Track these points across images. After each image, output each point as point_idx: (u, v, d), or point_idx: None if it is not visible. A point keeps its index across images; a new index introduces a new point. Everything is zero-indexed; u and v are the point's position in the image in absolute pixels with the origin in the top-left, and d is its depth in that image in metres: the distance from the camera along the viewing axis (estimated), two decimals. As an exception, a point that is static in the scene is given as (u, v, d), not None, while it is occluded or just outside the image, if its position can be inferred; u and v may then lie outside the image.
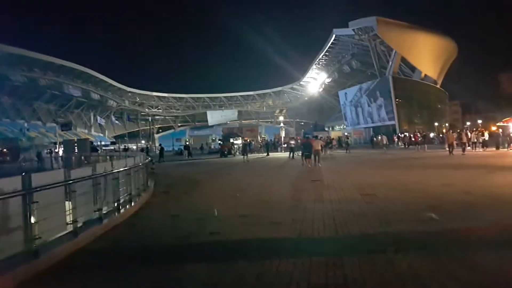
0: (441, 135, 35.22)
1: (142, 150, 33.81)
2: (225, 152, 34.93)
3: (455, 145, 23.37)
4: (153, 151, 67.01)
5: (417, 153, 27.16)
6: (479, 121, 75.03)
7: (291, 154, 26.88)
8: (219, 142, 43.50)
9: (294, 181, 13.11)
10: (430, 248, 4.84)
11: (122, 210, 7.80)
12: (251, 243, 5.51)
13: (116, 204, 7.67)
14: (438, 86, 63.20)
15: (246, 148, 28.83)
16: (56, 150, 41.20)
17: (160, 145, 35.92)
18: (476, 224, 5.97)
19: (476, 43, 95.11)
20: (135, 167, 9.74)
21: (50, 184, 4.86)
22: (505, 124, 26.41)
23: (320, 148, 19.83)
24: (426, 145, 30.18)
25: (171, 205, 9.36)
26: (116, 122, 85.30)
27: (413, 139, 33.71)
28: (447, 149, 23.09)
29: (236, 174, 17.79)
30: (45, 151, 41.53)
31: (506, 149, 24.42)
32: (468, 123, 77.85)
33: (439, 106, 66.01)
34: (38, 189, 4.53)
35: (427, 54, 56.30)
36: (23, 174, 4.50)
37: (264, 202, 8.97)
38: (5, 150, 41.81)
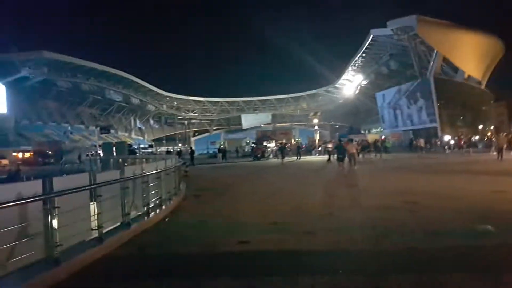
0: (487, 139, 33.03)
1: (177, 153, 34.14)
2: (258, 155, 34.67)
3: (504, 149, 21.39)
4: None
5: (461, 157, 25.61)
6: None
7: (329, 158, 26.09)
8: (253, 145, 43.33)
9: (329, 186, 12.62)
10: (491, 267, 4.22)
11: (152, 214, 7.63)
12: (283, 255, 5.08)
13: (145, 208, 7.50)
14: (482, 87, 60.00)
15: (283, 151, 28.57)
16: (98, 152, 42.61)
17: (190, 148, 36.10)
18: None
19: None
20: (166, 170, 9.57)
21: (72, 189, 4.67)
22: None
23: (354, 151, 19.32)
24: (471, 149, 28.51)
25: (201, 209, 9.11)
26: (155, 125, 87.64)
27: (456, 142, 31.80)
28: (494, 153, 21.57)
29: (269, 177, 17.47)
30: (86, 153, 43.07)
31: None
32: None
33: (483, 108, 62.61)
34: (58, 193, 4.34)
35: (470, 53, 53.52)
36: (44, 177, 4.32)
37: (296, 208, 8.51)
38: (49, 152, 43.88)
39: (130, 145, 44.91)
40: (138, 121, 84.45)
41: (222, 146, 60.12)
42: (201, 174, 21.09)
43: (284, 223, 6.90)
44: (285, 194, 11.10)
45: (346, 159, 17.81)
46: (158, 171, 8.55)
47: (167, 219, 7.86)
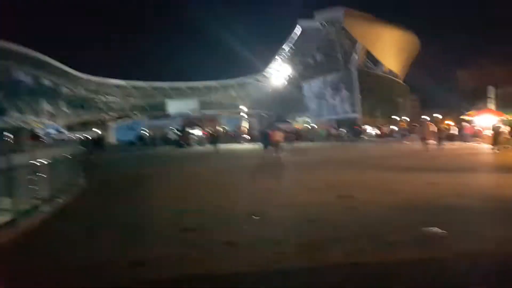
0: (409, 128, 34.58)
1: (94, 140, 30.73)
2: (182, 143, 32.59)
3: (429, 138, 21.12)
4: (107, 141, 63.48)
5: (385, 146, 26.28)
6: (439, 116, 77.11)
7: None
8: (176, 132, 40.97)
9: (257, 178, 11.34)
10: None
11: (23, 221, 5.66)
12: (193, 281, 3.57)
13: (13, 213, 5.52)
14: (400, 80, 63.78)
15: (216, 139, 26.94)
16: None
17: (99, 134, 32.70)
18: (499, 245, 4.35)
19: (434, 40, 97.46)
20: (52, 161, 7.50)
21: None
22: (470, 117, 25.88)
23: (279, 139, 19.63)
24: (391, 138, 29.50)
25: (96, 211, 7.20)
26: (66, 110, 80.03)
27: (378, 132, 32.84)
28: (412, 142, 22.00)
29: (190, 168, 15.72)
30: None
31: (471, 143, 23.98)
32: (426, 117, 79.83)
33: (400, 100, 66.69)
34: None
35: (390, 48, 56.40)
36: None
37: (216, 207, 7.06)
38: None
39: (32, 131, 39.87)
40: (48, 105, 76.40)
41: (145, 132, 56.50)
42: (115, 164, 18.71)
43: (198, 230, 5.39)
44: (206, 189, 9.58)
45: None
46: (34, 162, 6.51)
47: (45, 226, 5.91)
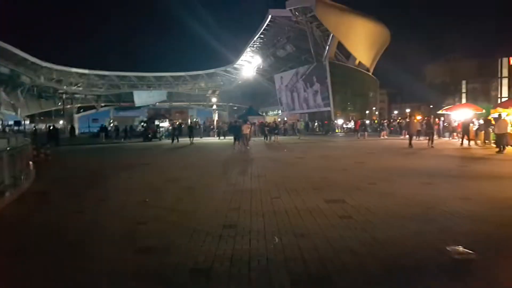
0: (381, 123, 34.21)
1: (48, 132, 28.35)
2: (149, 136, 30.71)
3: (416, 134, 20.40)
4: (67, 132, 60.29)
5: (361, 140, 25.65)
6: (407, 110, 78.36)
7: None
8: (142, 124, 38.74)
9: (231, 176, 10.07)
10: None
11: None
12: None
13: None
14: (370, 73, 63.86)
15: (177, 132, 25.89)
16: None
17: (52, 125, 30.25)
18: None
19: (403, 34, 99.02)
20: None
21: None
22: (447, 112, 25.58)
23: (248, 132, 20.41)
24: (366, 133, 28.93)
25: (35, 220, 5.74)
26: (30, 100, 75.36)
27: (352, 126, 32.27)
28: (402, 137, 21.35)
29: (156, 163, 14.21)
30: None
31: (447, 139, 23.70)
32: (395, 112, 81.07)
33: (371, 94, 67.01)
34: None
35: (362, 40, 55.98)
36: None
37: (182, 213, 5.80)
38: None
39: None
40: (8, 94, 71.57)
41: (112, 124, 53.67)
42: (71, 158, 16.91)
43: (159, 248, 4.12)
44: (173, 189, 8.23)
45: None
46: None
47: None
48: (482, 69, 71.19)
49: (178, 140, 26.86)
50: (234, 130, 21.33)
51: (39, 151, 14.52)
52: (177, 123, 39.14)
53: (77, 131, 52.78)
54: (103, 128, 33.48)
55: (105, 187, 8.74)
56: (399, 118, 43.57)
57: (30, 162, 11.77)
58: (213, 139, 31.40)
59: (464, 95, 42.62)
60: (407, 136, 19.92)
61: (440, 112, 27.76)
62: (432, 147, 17.74)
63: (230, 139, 26.77)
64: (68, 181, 9.78)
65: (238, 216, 5.65)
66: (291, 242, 4.37)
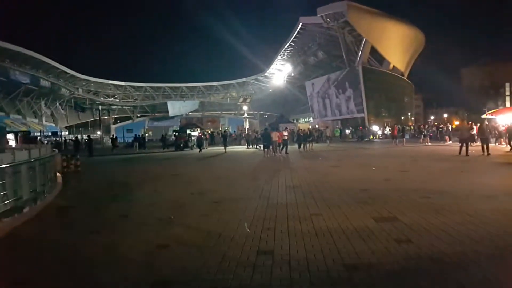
0: (421, 129, 32.35)
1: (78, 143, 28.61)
2: (181, 145, 30.51)
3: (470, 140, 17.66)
4: (107, 142, 61.67)
5: (400, 147, 24.23)
6: (445, 115, 75.08)
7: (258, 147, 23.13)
8: (174, 133, 38.70)
9: (264, 187, 9.26)
10: None
11: None
12: None
13: None
14: (405, 78, 61.64)
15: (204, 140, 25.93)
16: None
17: (88, 136, 30.57)
18: None
19: (438, 37, 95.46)
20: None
21: None
22: (492, 116, 23.76)
23: (277, 139, 21.02)
24: (404, 139, 27.39)
25: (44, 244, 5.18)
26: (63, 112, 78.03)
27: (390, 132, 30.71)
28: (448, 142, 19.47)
29: (185, 173, 13.63)
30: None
31: (494, 145, 21.89)
32: (432, 117, 77.85)
33: (406, 99, 64.61)
34: None
35: (396, 44, 54.16)
36: None
37: (210, 234, 5.07)
38: None
39: (29, 132, 38.14)
40: (49, 107, 74.54)
41: (143, 134, 54.39)
42: (101, 169, 16.72)
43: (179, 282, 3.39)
44: (197, 204, 7.55)
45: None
46: None
47: None
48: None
49: (200, 150, 26.99)
50: (264, 138, 21.57)
51: (69, 162, 14.40)
52: (208, 132, 38.93)
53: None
54: (137, 138, 33.63)
55: (129, 201, 8.19)
56: (438, 124, 41.49)
57: (58, 174, 11.53)
58: (245, 148, 30.83)
59: (508, 98, 39.93)
60: (459, 143, 17.41)
61: (484, 116, 25.93)
62: (488, 154, 15.74)
63: (260, 148, 26.32)
64: (92, 194, 9.34)
65: (274, 239, 4.85)
66: (341, 276, 3.54)
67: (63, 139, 42.01)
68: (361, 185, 8.99)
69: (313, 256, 4.10)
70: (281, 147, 21.86)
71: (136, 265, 4.12)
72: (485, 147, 16.21)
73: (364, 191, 8.14)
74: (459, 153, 16.19)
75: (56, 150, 12.23)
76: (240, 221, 5.80)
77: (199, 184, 10.49)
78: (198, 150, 27.12)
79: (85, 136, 38.17)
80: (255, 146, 29.67)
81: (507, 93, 36.39)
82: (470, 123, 18.21)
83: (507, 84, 36.57)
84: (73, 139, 31.45)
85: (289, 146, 22.76)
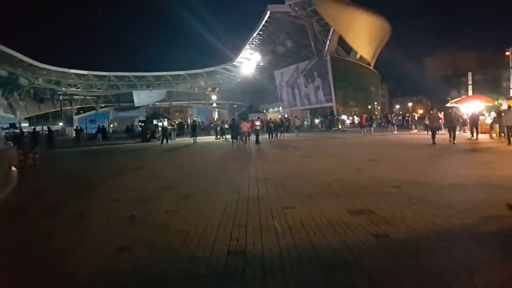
0: (389, 117, 32.95)
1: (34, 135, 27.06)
2: (148, 136, 29.59)
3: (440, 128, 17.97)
4: (69, 134, 59.17)
5: (368, 136, 24.54)
6: (410, 104, 77.21)
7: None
8: (140, 124, 37.49)
9: (234, 180, 8.95)
10: None
11: None
12: None
13: None
14: (371, 67, 62.76)
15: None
16: None
17: (48, 128, 28.97)
18: None
19: (402, 26, 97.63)
20: None
21: None
22: (456, 105, 24.44)
23: (247, 129, 20.62)
24: (372, 128, 27.83)
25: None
26: (21, 103, 74.24)
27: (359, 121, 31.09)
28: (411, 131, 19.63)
29: (151, 166, 13.07)
30: None
31: (458, 133, 22.55)
32: (397, 106, 79.88)
33: (372, 88, 65.89)
34: None
35: (363, 34, 54.86)
36: None
37: (177, 233, 4.71)
38: None
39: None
40: (7, 97, 70.52)
41: (102, 125, 52.38)
42: (61, 163, 15.84)
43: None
44: (164, 200, 7.13)
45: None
46: None
47: None
48: (482, 61, 70.16)
49: (167, 141, 26.07)
50: (232, 128, 21.67)
51: (26, 155, 13.50)
52: (176, 122, 37.99)
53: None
54: (100, 129, 32.28)
55: (90, 197, 7.64)
56: (404, 112, 42.47)
57: (13, 168, 10.75)
58: (213, 138, 30.31)
59: (470, 87, 41.45)
60: (429, 131, 17.61)
61: (448, 105, 26.67)
62: (454, 143, 15.82)
63: (228, 138, 26.00)
64: (49, 191, 8.67)
65: (245, 237, 4.56)
66: (318, 276, 3.30)
67: (21, 131, 39.82)
68: (332, 175, 8.86)
69: (287, 254, 3.85)
70: (250, 137, 21.60)
71: (93, 270, 3.71)
72: (452, 135, 16.39)
73: (336, 182, 8.00)
74: (433, 142, 15.94)
75: (10, 143, 11.32)
76: (208, 218, 5.46)
77: (166, 177, 10.03)
78: (161, 141, 26.13)
79: (45, 128, 36.30)
80: (223, 136, 29.25)
81: (469, 82, 37.72)
82: (435, 111, 18.31)
83: (469, 73, 37.82)
84: (30, 131, 29.70)
85: (260, 136, 22.56)
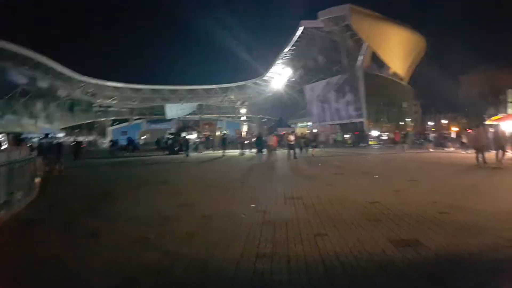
0: (425, 134, 31.31)
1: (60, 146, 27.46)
2: (176, 149, 29.36)
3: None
4: (101, 146, 60.50)
5: (402, 154, 23.29)
6: (444, 121, 74.34)
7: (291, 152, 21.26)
8: (168, 136, 37.37)
9: (260, 199, 8.29)
10: None
11: None
12: None
13: None
14: (404, 83, 61.02)
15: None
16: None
17: (75, 139, 29.30)
18: None
19: (438, 42, 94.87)
20: None
21: None
22: (497, 123, 22.81)
23: (272, 143, 20.65)
24: (406, 145, 26.45)
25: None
26: (66, 113, 77.01)
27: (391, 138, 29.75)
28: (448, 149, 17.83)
29: (175, 181, 12.55)
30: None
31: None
32: (430, 123, 77.00)
33: (405, 104, 63.90)
34: None
35: (397, 49, 53.55)
36: None
37: (193, 261, 4.10)
38: None
39: (20, 134, 37.13)
40: (46, 108, 73.37)
41: (143, 136, 52.86)
42: (86, 175, 15.70)
43: None
44: (182, 220, 6.57)
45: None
46: None
47: None
48: (519, 79, 66.54)
49: (187, 155, 25.86)
50: (257, 142, 22.00)
51: (52, 166, 13.41)
52: (205, 135, 37.81)
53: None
54: (130, 140, 32.46)
55: (106, 213, 7.17)
56: (439, 129, 40.57)
57: (36, 180, 10.55)
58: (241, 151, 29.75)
59: (510, 105, 39.09)
60: (473, 151, 15.34)
61: (487, 122, 25.05)
62: (499, 164, 13.87)
63: (252, 152, 25.55)
64: (67, 203, 8.28)
65: (271, 269, 3.89)
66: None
67: (48, 142, 40.77)
68: (369, 197, 8.02)
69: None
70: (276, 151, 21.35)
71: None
72: (500, 156, 14.43)
73: (373, 205, 7.18)
74: (481, 162, 14.17)
75: (35, 153, 11.19)
76: (230, 245, 4.82)
77: (188, 193, 9.46)
78: (186, 154, 25.70)
79: (75, 138, 37.03)
80: (247, 150, 28.46)
81: (510, 99, 35.57)
82: (484, 128, 16.44)
83: (509, 90, 35.65)
84: (54, 142, 30.37)
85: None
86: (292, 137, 21.97)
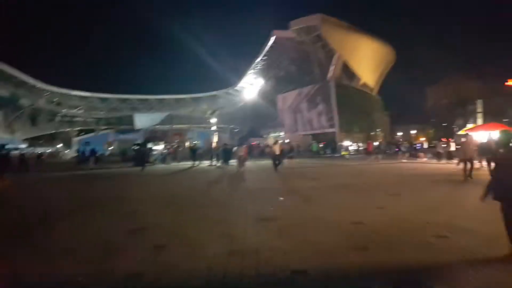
0: (399, 144, 31.08)
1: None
2: (141, 160, 27.42)
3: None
4: (63, 157, 57.49)
5: (377, 164, 22.77)
6: (412, 132, 75.82)
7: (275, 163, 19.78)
8: (134, 147, 35.37)
9: (226, 220, 7.16)
10: None
11: None
12: None
13: None
14: (374, 94, 61.90)
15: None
16: None
17: (20, 152, 27.12)
18: None
19: (406, 53, 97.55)
20: None
21: None
22: (470, 133, 22.64)
23: (242, 154, 20.31)
24: (379, 156, 26.04)
25: None
26: (30, 123, 73.35)
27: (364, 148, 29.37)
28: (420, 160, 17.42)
29: (132, 197, 11.14)
30: None
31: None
32: (399, 133, 78.41)
33: (376, 115, 64.69)
34: None
35: (367, 60, 54.33)
36: None
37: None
38: None
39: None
40: (7, 118, 69.41)
41: (107, 148, 50.62)
42: (33, 191, 14.10)
43: None
44: (130, 252, 5.38)
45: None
46: None
47: None
48: (484, 90, 68.86)
49: (143, 168, 23.75)
50: (224, 153, 22.40)
51: None
52: (173, 145, 36.29)
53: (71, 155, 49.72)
54: (93, 152, 30.42)
55: (40, 242, 5.83)
56: (410, 139, 40.77)
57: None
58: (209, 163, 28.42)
59: (480, 115, 39.81)
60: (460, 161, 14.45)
61: (461, 132, 25.04)
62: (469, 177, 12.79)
63: (216, 163, 24.66)
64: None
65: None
66: None
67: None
68: (351, 216, 7.05)
69: None
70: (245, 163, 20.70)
71: None
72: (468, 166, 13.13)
73: (357, 226, 6.23)
74: (465, 174, 13.02)
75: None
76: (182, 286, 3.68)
77: (144, 214, 8.11)
78: (140, 167, 23.69)
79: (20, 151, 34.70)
80: (214, 161, 27.08)
81: (479, 109, 36.20)
82: (469, 137, 15.40)
83: (479, 101, 36.33)
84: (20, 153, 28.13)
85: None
86: (277, 148, 19.86)
